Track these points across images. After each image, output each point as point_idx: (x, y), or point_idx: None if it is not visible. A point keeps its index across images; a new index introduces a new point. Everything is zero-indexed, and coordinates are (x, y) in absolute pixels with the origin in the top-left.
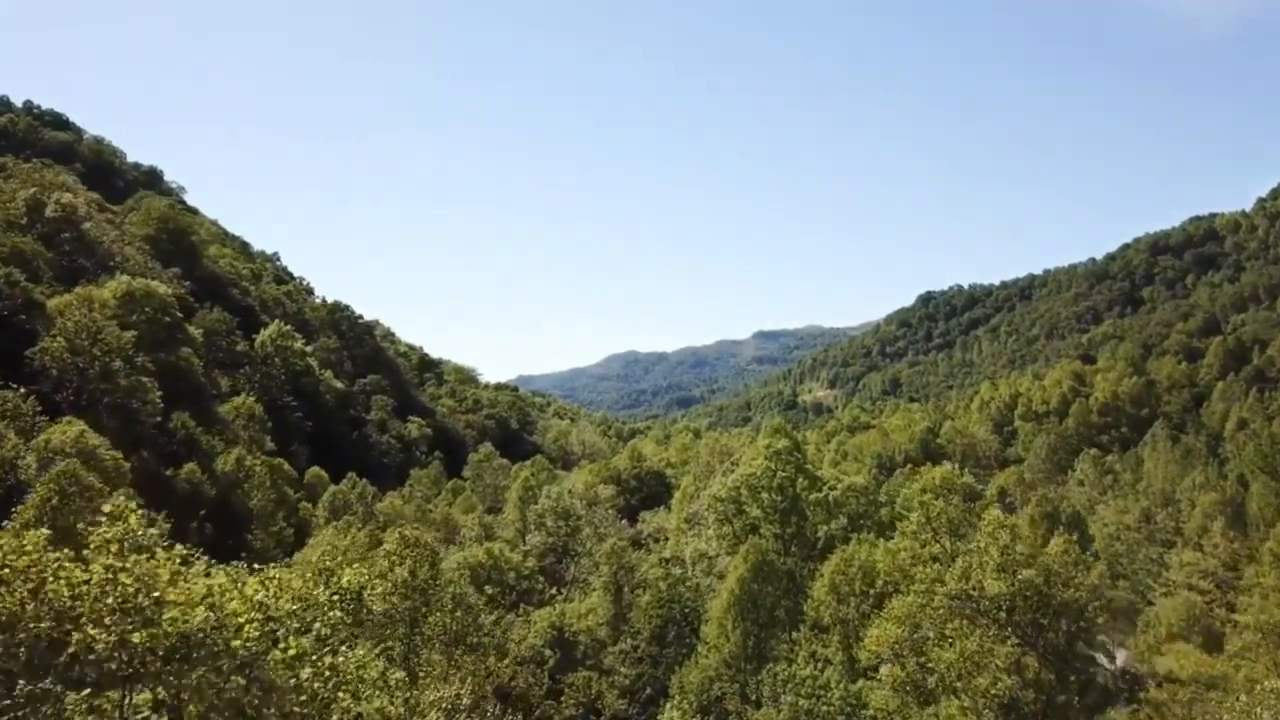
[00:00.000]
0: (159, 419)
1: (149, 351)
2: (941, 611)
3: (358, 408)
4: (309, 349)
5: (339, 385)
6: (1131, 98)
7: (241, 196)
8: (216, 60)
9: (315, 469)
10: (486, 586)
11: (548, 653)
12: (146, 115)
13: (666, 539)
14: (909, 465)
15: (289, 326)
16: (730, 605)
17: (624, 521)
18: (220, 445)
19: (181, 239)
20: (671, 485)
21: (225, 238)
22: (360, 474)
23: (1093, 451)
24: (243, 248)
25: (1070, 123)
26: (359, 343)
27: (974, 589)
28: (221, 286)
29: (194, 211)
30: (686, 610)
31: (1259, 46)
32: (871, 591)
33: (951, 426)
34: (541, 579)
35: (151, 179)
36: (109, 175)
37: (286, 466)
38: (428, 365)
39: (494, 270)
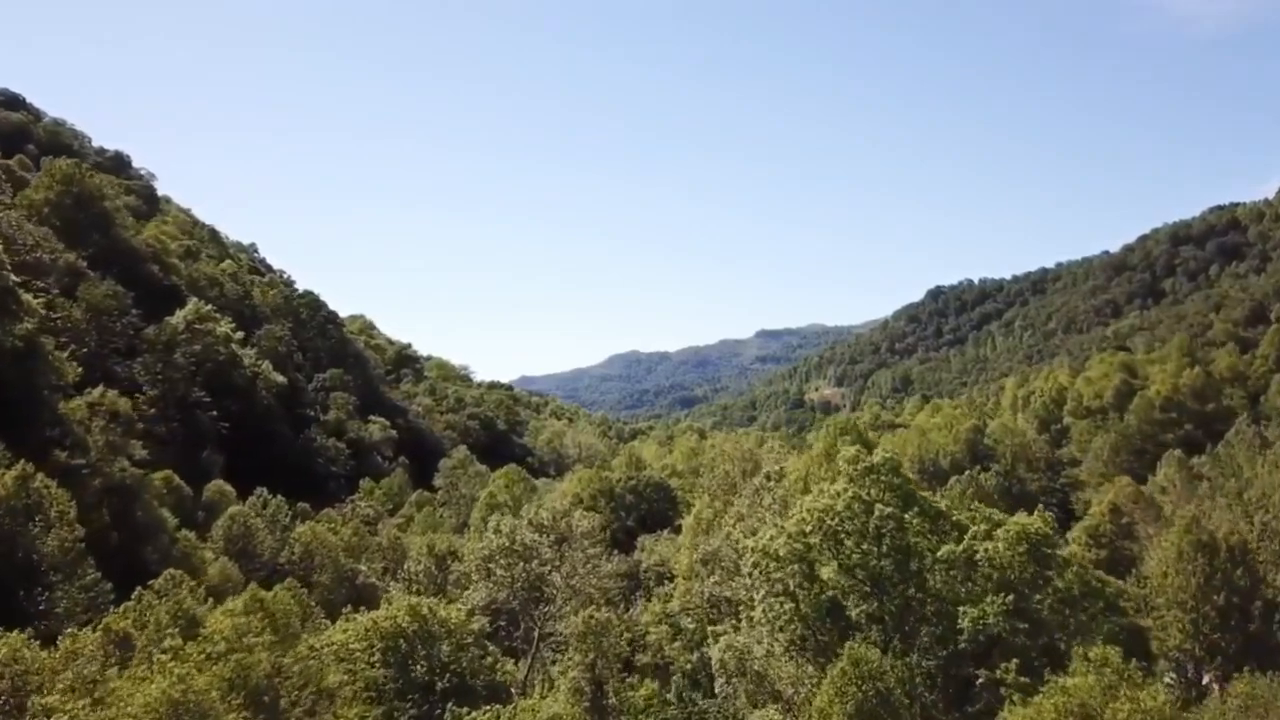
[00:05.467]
0: None
1: None
2: None
3: (313, 406)
4: (237, 334)
5: (279, 379)
6: (1129, 95)
7: (245, 200)
8: (226, 64)
9: (217, 483)
10: (417, 661)
11: None
12: (162, 123)
13: (672, 577)
14: (965, 472)
15: (211, 307)
16: None
17: (616, 554)
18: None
19: (90, 205)
20: (676, 499)
21: (194, 225)
22: (300, 485)
23: (1177, 452)
24: (212, 235)
25: (1069, 119)
26: (322, 333)
27: None
28: (137, 262)
29: (159, 199)
30: None
31: (1259, 45)
32: None
33: (1000, 425)
34: (491, 649)
35: (117, 164)
36: (67, 158)
37: (177, 481)
38: (406, 360)
39: (496, 271)
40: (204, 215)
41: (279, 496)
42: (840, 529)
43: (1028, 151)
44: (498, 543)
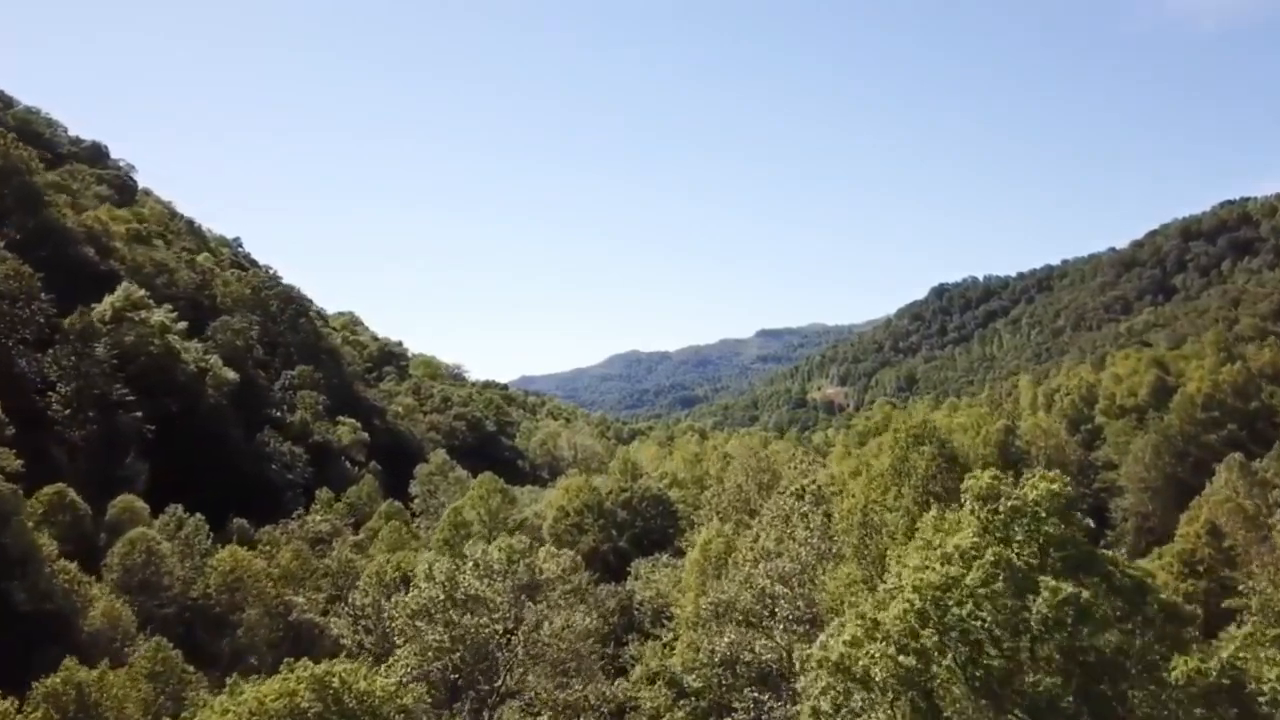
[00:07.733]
0: None
1: None
2: None
3: (277, 407)
4: (180, 325)
5: (230, 375)
6: (1129, 93)
7: (246, 200)
8: (229, 64)
9: (125, 499)
10: None
11: None
12: (176, 128)
13: (671, 616)
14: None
15: (145, 293)
16: None
17: (607, 584)
18: None
19: (11, 179)
20: (677, 513)
21: (170, 217)
22: (251, 497)
23: (1238, 456)
24: (190, 227)
25: (1069, 118)
26: (293, 327)
27: None
28: (69, 244)
29: (138, 191)
30: None
31: (1258, 42)
32: None
33: (1032, 425)
34: None
35: (94, 154)
36: (36, 147)
37: (72, 497)
38: (389, 357)
39: (495, 271)
40: (200, 214)
41: (198, 515)
42: (974, 619)
43: (1027, 151)
44: (430, 593)
